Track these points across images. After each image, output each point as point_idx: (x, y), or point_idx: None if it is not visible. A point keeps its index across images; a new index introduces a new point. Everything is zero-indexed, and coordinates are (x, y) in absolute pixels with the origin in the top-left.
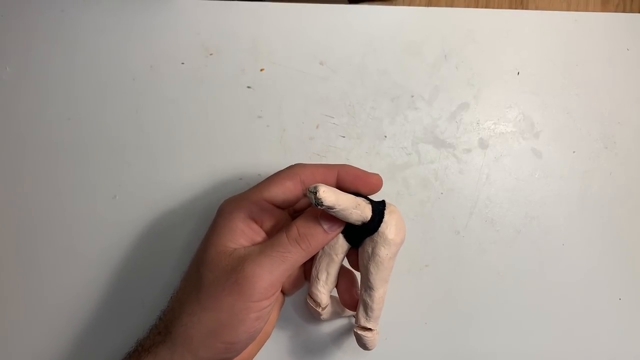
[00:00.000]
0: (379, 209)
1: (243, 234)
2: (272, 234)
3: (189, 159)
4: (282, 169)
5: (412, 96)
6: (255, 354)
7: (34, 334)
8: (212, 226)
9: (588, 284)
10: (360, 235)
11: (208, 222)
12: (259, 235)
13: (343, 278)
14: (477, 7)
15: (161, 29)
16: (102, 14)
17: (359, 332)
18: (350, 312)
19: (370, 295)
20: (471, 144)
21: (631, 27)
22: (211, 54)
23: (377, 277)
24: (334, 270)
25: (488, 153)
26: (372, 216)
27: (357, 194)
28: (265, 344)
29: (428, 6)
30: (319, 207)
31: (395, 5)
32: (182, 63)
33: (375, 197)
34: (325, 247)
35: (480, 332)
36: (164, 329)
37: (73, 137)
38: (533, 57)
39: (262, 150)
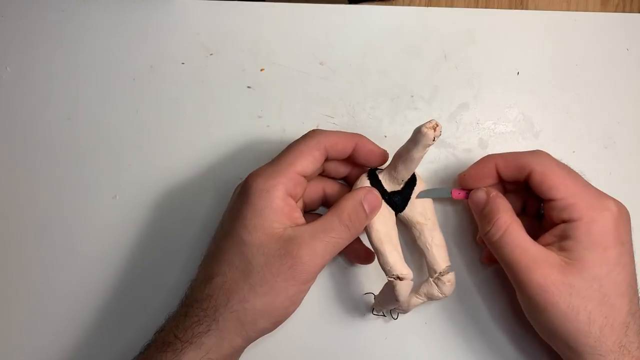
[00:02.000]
0: None
1: (284, 212)
2: (301, 205)
3: (189, 159)
4: (302, 136)
5: (412, 96)
6: None
7: (34, 334)
8: (248, 205)
9: None
10: (400, 197)
11: (208, 221)
12: (295, 210)
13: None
14: (477, 7)
15: (161, 29)
16: (102, 14)
17: (445, 275)
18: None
19: (437, 235)
20: (471, 143)
21: (631, 27)
22: (211, 54)
23: (432, 216)
24: (396, 237)
25: (488, 153)
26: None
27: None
28: (266, 343)
29: (428, 6)
30: (432, 141)
31: (395, 5)
32: (182, 63)
33: None
34: (380, 224)
35: (480, 332)
36: (204, 318)
37: (73, 137)
38: (533, 57)
39: (262, 150)
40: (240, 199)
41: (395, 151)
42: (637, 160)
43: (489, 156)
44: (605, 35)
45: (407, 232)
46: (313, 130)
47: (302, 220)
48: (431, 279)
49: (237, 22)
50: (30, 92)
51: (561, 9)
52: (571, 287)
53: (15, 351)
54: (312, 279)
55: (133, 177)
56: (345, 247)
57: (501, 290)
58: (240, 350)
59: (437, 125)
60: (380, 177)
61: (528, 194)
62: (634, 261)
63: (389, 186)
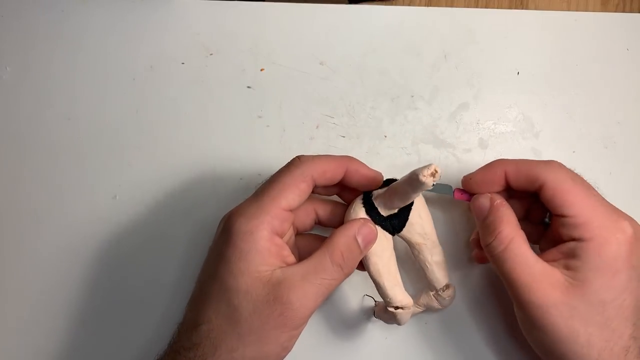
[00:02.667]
0: None
1: (271, 253)
2: (286, 241)
3: (189, 158)
4: (286, 165)
5: (412, 96)
6: None
7: (34, 334)
8: (232, 249)
9: None
10: (397, 220)
11: (208, 221)
12: (283, 249)
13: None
14: (477, 7)
15: (161, 29)
16: (101, 14)
17: (445, 292)
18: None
19: (437, 254)
20: (471, 144)
21: (631, 27)
22: (211, 54)
23: (432, 235)
24: (394, 267)
25: (488, 153)
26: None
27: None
28: None
29: (428, 6)
30: (431, 187)
31: (395, 5)
32: (182, 63)
33: None
34: (377, 257)
35: (480, 332)
36: None
37: (73, 137)
38: (533, 57)
39: (262, 150)
40: (223, 239)
41: (394, 151)
42: (637, 160)
43: (498, 161)
44: (605, 35)
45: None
46: (298, 158)
47: (291, 258)
48: (431, 293)
49: (237, 22)
50: (30, 92)
51: (561, 9)
52: (573, 309)
53: (14, 351)
54: (304, 323)
55: (133, 177)
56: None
57: (502, 291)
58: None
59: (436, 172)
60: (376, 203)
61: (533, 200)
62: None
63: (384, 211)
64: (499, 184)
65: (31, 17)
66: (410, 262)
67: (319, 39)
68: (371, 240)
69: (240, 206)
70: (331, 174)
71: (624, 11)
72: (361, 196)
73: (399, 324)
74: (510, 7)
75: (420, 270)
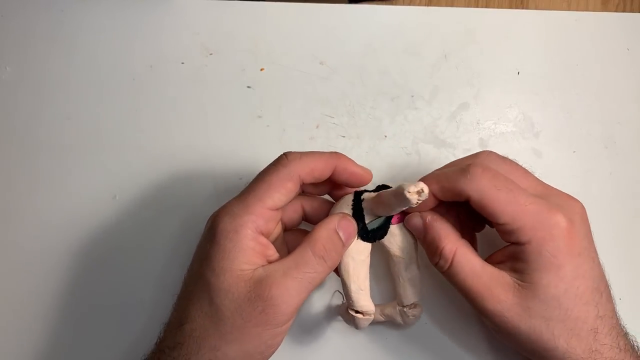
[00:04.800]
0: None
1: (255, 252)
2: (275, 238)
3: (189, 158)
4: (273, 162)
5: (412, 96)
6: None
7: (34, 334)
8: (216, 247)
9: None
10: (380, 232)
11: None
12: (268, 248)
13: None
14: (477, 7)
15: (161, 29)
16: (101, 14)
17: (411, 310)
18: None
19: (412, 270)
20: (471, 143)
21: (631, 27)
22: (211, 54)
23: (410, 251)
24: (365, 272)
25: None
26: None
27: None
28: None
29: (428, 6)
30: (415, 205)
31: (395, 5)
32: (182, 63)
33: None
34: (350, 258)
35: (480, 332)
36: None
37: (73, 137)
38: (533, 57)
39: (262, 150)
40: (208, 238)
41: (394, 151)
42: (637, 160)
43: (423, 181)
44: (605, 35)
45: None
46: (285, 155)
47: (275, 256)
48: (398, 308)
49: (236, 22)
50: (30, 92)
51: (561, 9)
52: (529, 309)
53: (14, 351)
54: (287, 320)
55: (133, 177)
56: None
57: None
58: None
59: (423, 192)
60: (364, 207)
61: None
62: (597, 264)
63: (370, 217)
64: (432, 202)
65: (31, 17)
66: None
67: (319, 39)
68: (351, 233)
69: (226, 205)
70: (319, 172)
71: (624, 11)
72: (351, 196)
73: (356, 328)
74: (510, 7)
75: (392, 283)
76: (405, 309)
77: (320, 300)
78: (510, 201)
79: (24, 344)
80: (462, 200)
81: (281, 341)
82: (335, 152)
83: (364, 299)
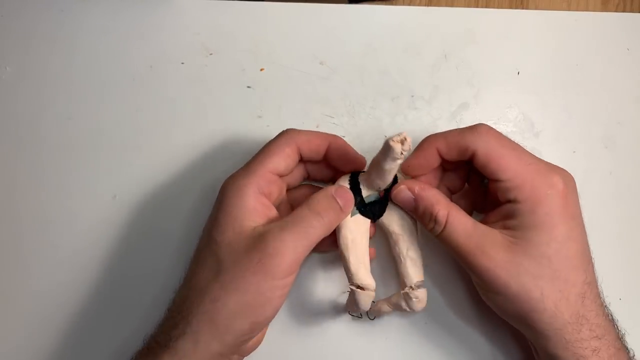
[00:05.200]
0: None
1: (256, 211)
2: (278, 204)
3: (189, 158)
4: (275, 136)
5: (412, 96)
6: (266, 330)
7: (34, 334)
8: (221, 206)
9: None
10: (378, 206)
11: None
12: (270, 209)
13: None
14: (477, 7)
15: (161, 29)
16: (101, 14)
17: (415, 291)
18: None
19: (413, 248)
20: None
21: (631, 27)
22: (211, 54)
23: (410, 228)
24: (364, 247)
25: None
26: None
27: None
28: (265, 343)
29: (428, 6)
30: (400, 155)
31: (395, 5)
32: (182, 63)
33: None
34: (348, 231)
35: (480, 332)
36: (181, 320)
37: (73, 137)
38: (533, 57)
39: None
40: (216, 202)
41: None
42: (637, 160)
43: (428, 139)
44: (605, 35)
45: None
46: (286, 130)
47: (277, 217)
48: (401, 292)
49: (236, 22)
50: (30, 92)
51: (561, 9)
52: (519, 266)
53: (14, 351)
54: (285, 273)
55: (133, 177)
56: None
57: None
58: (217, 357)
59: (406, 139)
60: (361, 181)
61: (469, 167)
62: (584, 231)
63: (366, 192)
64: (434, 161)
65: (31, 17)
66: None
67: (319, 39)
68: (347, 199)
69: (233, 173)
70: (315, 144)
71: (624, 11)
72: (349, 174)
73: (359, 306)
74: (510, 7)
75: (395, 268)
76: (408, 292)
77: (321, 301)
78: (514, 158)
79: (23, 343)
80: (466, 159)
81: (281, 300)
82: (334, 134)
83: (363, 272)
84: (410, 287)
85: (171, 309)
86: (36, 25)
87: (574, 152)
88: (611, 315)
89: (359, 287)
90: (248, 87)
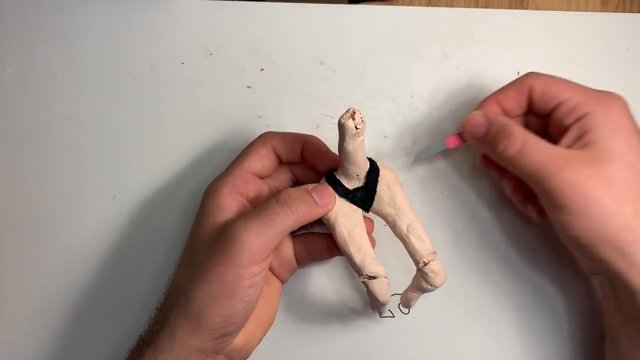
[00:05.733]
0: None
1: (230, 207)
2: (258, 203)
3: (189, 159)
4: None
5: (412, 96)
6: (261, 338)
7: (34, 334)
8: (200, 208)
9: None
10: (362, 192)
11: None
12: (244, 206)
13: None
14: (477, 7)
15: (161, 29)
16: (102, 14)
17: (428, 265)
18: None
19: (410, 220)
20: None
21: (631, 27)
22: (211, 54)
23: (402, 203)
24: (361, 235)
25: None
26: (369, 172)
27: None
28: (265, 343)
29: (428, 6)
30: (356, 130)
31: (395, 5)
32: (182, 63)
33: None
34: (342, 226)
35: (480, 332)
36: (161, 316)
37: (73, 137)
38: (533, 57)
39: None
40: (200, 203)
41: (394, 151)
42: None
43: (487, 98)
44: (605, 35)
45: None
46: (264, 133)
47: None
48: (417, 271)
49: (237, 22)
50: (30, 92)
51: (561, 9)
52: (608, 178)
53: (14, 352)
54: (249, 261)
55: (133, 177)
56: (310, 248)
57: (502, 289)
58: (196, 353)
59: (355, 113)
60: (338, 176)
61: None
62: None
63: (349, 184)
64: (499, 111)
65: (31, 17)
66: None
67: (319, 39)
68: (325, 193)
69: (215, 177)
70: (289, 143)
71: (624, 11)
72: (325, 175)
73: (379, 298)
74: (510, 7)
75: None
76: (423, 268)
77: (320, 301)
78: (570, 83)
79: (24, 343)
80: (525, 102)
81: (249, 292)
82: (310, 135)
83: (368, 261)
84: (423, 262)
85: (157, 307)
86: (36, 25)
87: None
88: None
89: (368, 277)
90: (248, 87)
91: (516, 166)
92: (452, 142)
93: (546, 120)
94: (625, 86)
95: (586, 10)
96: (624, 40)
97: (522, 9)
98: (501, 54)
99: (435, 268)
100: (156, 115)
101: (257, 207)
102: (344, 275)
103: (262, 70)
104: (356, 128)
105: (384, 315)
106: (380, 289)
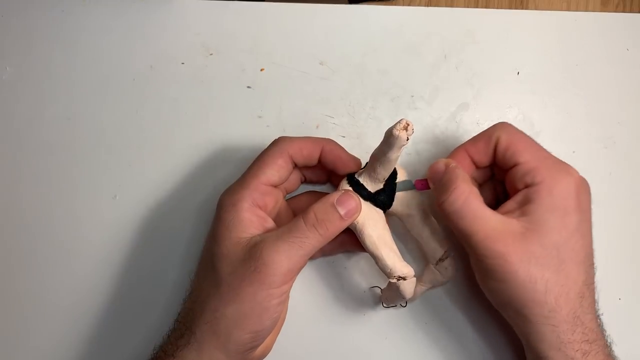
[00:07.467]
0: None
1: (252, 222)
2: (275, 214)
3: (189, 158)
4: (268, 145)
5: (412, 96)
6: (275, 339)
7: (35, 335)
8: (218, 221)
9: None
10: (384, 195)
11: (208, 222)
12: (266, 220)
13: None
14: (477, 7)
15: (161, 29)
16: (102, 14)
17: (444, 262)
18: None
19: (428, 221)
20: None
21: (631, 27)
22: (211, 54)
23: (421, 205)
24: (388, 238)
25: None
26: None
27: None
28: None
29: (428, 6)
30: (406, 141)
31: (395, 5)
32: (182, 63)
33: None
34: (371, 229)
35: (480, 332)
36: (186, 331)
37: (73, 137)
38: (533, 57)
39: (262, 150)
40: (214, 217)
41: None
42: (637, 160)
43: (457, 148)
44: (605, 35)
45: (399, 223)
46: (278, 138)
47: (273, 227)
48: (432, 266)
49: (237, 22)
50: (30, 92)
51: (561, 9)
52: (531, 254)
53: (14, 351)
54: (280, 282)
55: (133, 177)
56: (340, 241)
57: None
58: None
59: (409, 125)
60: (361, 179)
61: (497, 184)
62: (591, 233)
63: (371, 186)
64: (469, 168)
65: (31, 17)
66: (404, 247)
67: (319, 39)
68: (352, 207)
69: (229, 186)
70: (307, 151)
71: (624, 11)
72: (346, 177)
73: (404, 297)
74: (510, 7)
75: (419, 250)
76: (439, 264)
77: (320, 301)
78: (534, 146)
79: (25, 343)
80: (491, 153)
81: (278, 309)
82: (326, 138)
83: (399, 263)
84: (440, 259)
85: (177, 320)
86: (37, 25)
87: (574, 152)
88: (602, 324)
89: (400, 278)
90: (248, 87)
91: (451, 221)
92: (420, 185)
93: (506, 175)
94: (625, 86)
95: (586, 10)
96: (624, 40)
97: (522, 9)
98: (501, 54)
99: (452, 262)
100: (156, 115)
101: (286, 226)
102: (344, 275)
103: (262, 70)
104: (407, 139)
105: (390, 305)
106: (409, 288)
